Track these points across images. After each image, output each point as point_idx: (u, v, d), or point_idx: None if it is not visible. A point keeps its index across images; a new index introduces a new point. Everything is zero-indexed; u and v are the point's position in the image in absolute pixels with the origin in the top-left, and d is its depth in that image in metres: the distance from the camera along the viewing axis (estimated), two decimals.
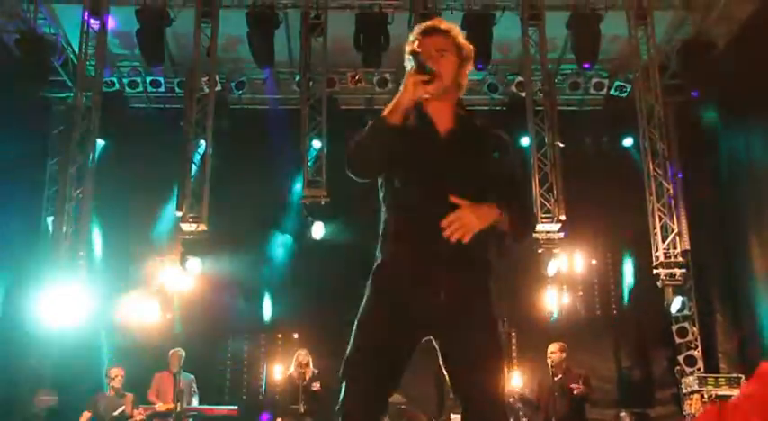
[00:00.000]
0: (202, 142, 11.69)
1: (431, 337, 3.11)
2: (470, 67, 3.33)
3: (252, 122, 13.22)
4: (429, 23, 3.33)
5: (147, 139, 12.40)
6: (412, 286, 3.04)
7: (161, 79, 13.13)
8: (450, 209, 2.98)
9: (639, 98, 11.93)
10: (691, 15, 11.79)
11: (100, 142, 12.11)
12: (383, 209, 3.28)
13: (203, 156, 11.59)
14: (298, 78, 12.54)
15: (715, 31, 11.64)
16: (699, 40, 11.56)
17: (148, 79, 13.11)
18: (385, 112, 3.07)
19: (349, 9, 11.60)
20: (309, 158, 11.86)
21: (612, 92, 13.26)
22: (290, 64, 12.98)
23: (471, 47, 3.33)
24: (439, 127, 3.24)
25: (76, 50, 11.89)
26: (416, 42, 3.21)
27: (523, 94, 12.11)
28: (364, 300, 3.14)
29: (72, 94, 11.90)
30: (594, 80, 13.14)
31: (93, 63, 11.72)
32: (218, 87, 12.42)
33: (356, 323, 3.09)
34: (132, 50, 12.12)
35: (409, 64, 3.15)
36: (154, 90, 13.28)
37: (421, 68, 3.06)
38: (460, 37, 3.30)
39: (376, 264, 3.21)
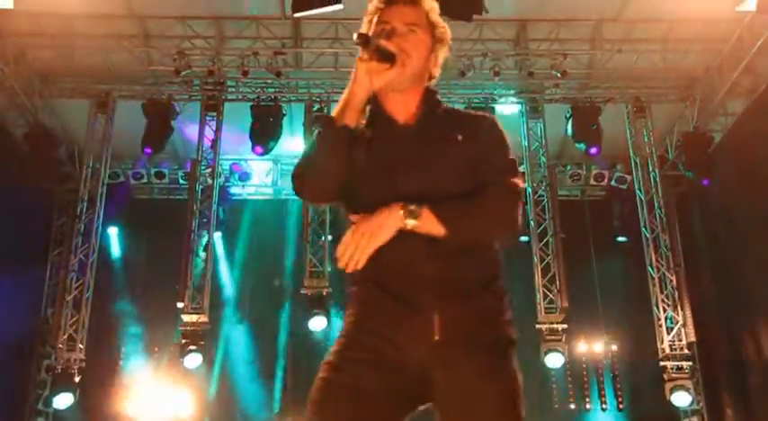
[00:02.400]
0: (205, 233, 11.73)
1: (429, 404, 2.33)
2: (445, 53, 2.57)
3: (256, 213, 13.30)
4: None
5: (149, 230, 12.45)
6: (391, 326, 2.27)
7: (165, 171, 13.28)
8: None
9: (640, 189, 12.05)
10: (689, 109, 11.99)
11: (112, 231, 12.18)
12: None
13: (206, 247, 11.59)
14: None
15: (713, 125, 11.84)
16: (697, 134, 11.74)
17: (153, 171, 13.26)
18: (334, 113, 2.38)
19: None
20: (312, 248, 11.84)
21: (613, 183, 13.37)
22: (293, 155, 13.13)
23: (446, 27, 2.56)
24: (400, 122, 2.47)
25: (82, 143, 12.08)
26: (376, 15, 2.49)
27: (524, 185, 12.16)
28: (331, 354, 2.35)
29: (76, 186, 12.00)
30: (595, 171, 13.28)
31: (99, 154, 11.90)
32: (222, 179, 12.53)
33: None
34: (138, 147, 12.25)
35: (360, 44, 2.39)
36: (158, 181, 13.40)
37: (379, 52, 2.35)
38: (434, 12, 2.54)
39: (347, 309, 2.44)
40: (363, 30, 2.48)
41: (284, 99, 11.92)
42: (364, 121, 2.46)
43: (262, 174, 13.56)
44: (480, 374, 2.25)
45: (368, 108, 2.47)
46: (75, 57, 11.28)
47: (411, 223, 2.24)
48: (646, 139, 12.21)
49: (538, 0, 10.46)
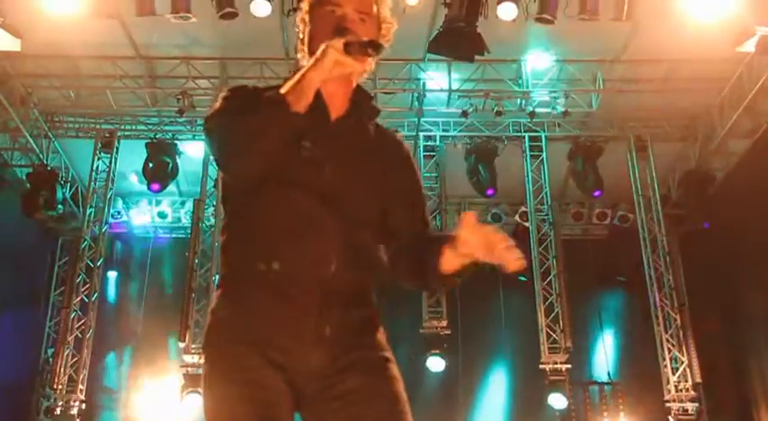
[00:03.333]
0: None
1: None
2: (384, 52, 2.35)
3: None
4: None
5: (152, 269, 12.43)
6: (279, 330, 2.18)
7: (168, 210, 13.31)
8: (344, 227, 2.24)
9: (643, 228, 12.04)
10: (690, 148, 12.04)
11: (111, 275, 12.18)
12: (232, 224, 2.36)
13: (207, 287, 11.55)
14: None
15: (714, 164, 11.87)
16: (698, 172, 11.77)
17: (156, 210, 13.29)
18: (286, 91, 2.20)
19: None
20: None
21: (615, 222, 13.37)
22: None
23: (393, 23, 2.45)
24: (333, 116, 2.37)
25: (86, 183, 12.13)
26: None
27: (527, 224, 12.20)
28: (208, 388, 2.21)
29: (79, 225, 12.02)
30: (597, 210, 13.29)
31: (102, 193, 11.94)
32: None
33: None
34: (142, 185, 12.27)
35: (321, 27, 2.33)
36: (161, 221, 13.43)
37: (364, 45, 2.24)
38: (385, 5, 2.43)
39: (217, 316, 2.28)
40: (304, 4, 2.42)
41: None
42: None
43: None
44: (368, 383, 2.21)
45: None
46: (80, 97, 11.38)
47: None
48: (648, 179, 12.22)
49: (540, 40, 10.55)
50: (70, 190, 12.17)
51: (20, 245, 11.45)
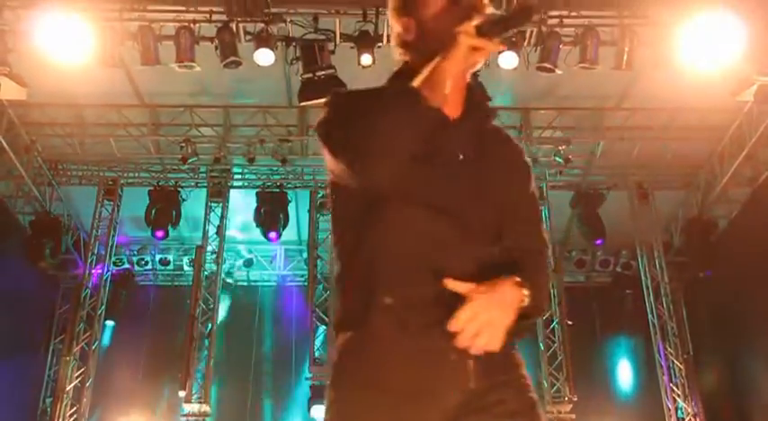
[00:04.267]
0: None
1: None
2: None
3: (260, 299, 13.26)
4: None
5: (153, 317, 12.39)
6: (419, 377, 1.96)
7: (170, 257, 13.31)
8: (472, 247, 2.03)
9: (646, 275, 11.99)
10: (692, 196, 12.06)
11: (115, 317, 12.17)
12: (349, 253, 2.13)
13: (209, 334, 11.47)
14: (305, 255, 12.67)
15: (716, 212, 11.88)
16: (701, 220, 11.79)
17: (157, 257, 13.30)
18: (420, 84, 1.97)
19: None
20: (317, 335, 11.71)
21: (618, 269, 13.33)
22: (298, 241, 13.17)
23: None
24: (450, 117, 2.11)
25: (88, 230, 12.13)
26: None
27: None
28: None
29: (81, 272, 11.99)
30: (600, 257, 13.27)
31: (104, 241, 11.94)
32: (226, 265, 12.52)
33: None
34: (143, 233, 12.28)
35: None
36: (162, 268, 13.42)
37: (501, 20, 1.99)
38: None
39: (343, 356, 2.05)
40: None
41: (290, 186, 12.02)
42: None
43: (265, 261, 13.59)
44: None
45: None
46: (84, 145, 11.44)
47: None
48: (650, 226, 12.20)
49: (541, 88, 10.63)
50: (72, 237, 12.17)
51: (21, 291, 11.40)
